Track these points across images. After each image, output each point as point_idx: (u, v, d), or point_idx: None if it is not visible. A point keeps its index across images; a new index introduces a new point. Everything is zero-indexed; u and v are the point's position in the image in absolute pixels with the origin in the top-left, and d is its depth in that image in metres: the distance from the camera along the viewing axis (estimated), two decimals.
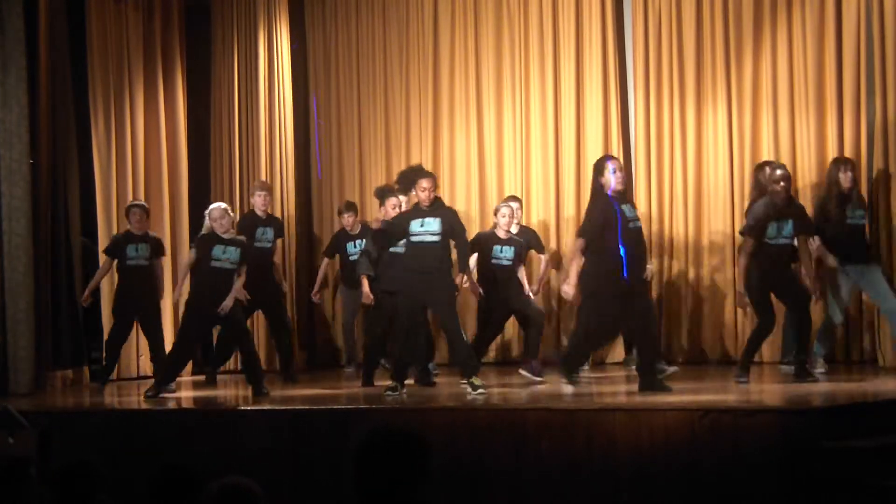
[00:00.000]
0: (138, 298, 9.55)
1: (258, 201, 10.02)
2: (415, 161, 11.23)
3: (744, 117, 10.10)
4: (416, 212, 8.33)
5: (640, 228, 7.94)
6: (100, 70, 10.59)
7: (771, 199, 8.22)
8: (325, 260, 10.88)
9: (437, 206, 8.33)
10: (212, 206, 8.99)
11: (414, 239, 8.27)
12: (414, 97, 11.40)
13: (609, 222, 7.75)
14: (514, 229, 9.43)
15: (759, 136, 10.05)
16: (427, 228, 8.23)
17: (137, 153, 10.81)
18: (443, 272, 8.27)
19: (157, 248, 9.70)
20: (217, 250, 8.73)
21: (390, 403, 7.85)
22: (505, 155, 11.05)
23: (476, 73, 11.14)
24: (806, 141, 9.80)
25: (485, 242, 9.21)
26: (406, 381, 8.83)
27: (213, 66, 11.54)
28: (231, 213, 8.99)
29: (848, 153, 9.55)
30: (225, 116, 11.40)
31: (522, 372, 8.94)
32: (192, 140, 11.31)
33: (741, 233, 8.55)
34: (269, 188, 10.36)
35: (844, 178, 8.71)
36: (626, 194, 8.01)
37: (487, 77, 11.08)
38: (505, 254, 9.15)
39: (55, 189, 10.07)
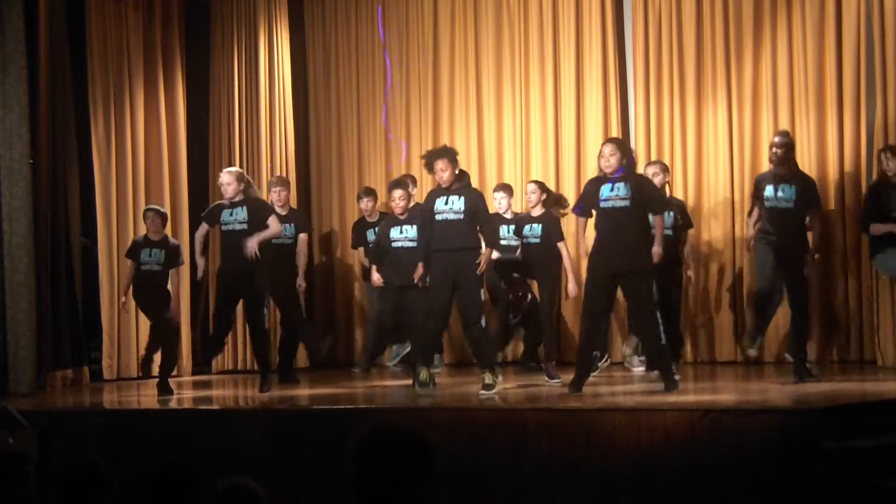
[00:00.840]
0: (147, 305, 9.40)
1: (273, 197, 9.94)
2: (414, 160, 11.27)
3: (744, 117, 10.10)
4: (440, 190, 8.30)
5: (615, 209, 7.78)
6: (100, 70, 10.60)
7: (770, 164, 8.36)
8: (360, 251, 10.61)
9: (462, 186, 8.27)
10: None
11: (438, 217, 8.22)
12: (414, 97, 11.40)
13: (586, 200, 8.02)
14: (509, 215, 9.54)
15: (759, 136, 10.05)
16: (450, 206, 8.19)
17: (137, 153, 10.82)
18: (468, 251, 8.16)
19: (172, 256, 9.33)
20: (224, 214, 8.69)
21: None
22: (505, 155, 11.05)
23: (476, 73, 11.15)
24: (806, 141, 9.80)
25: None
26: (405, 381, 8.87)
27: (212, 66, 11.54)
28: (238, 180, 8.70)
29: (848, 153, 9.56)
30: (225, 116, 11.41)
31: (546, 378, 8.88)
32: (192, 140, 11.31)
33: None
34: (283, 182, 10.15)
35: (887, 167, 8.76)
36: (621, 175, 7.83)
37: (487, 76, 11.09)
38: (533, 231, 9.20)
39: (55, 189, 10.07)
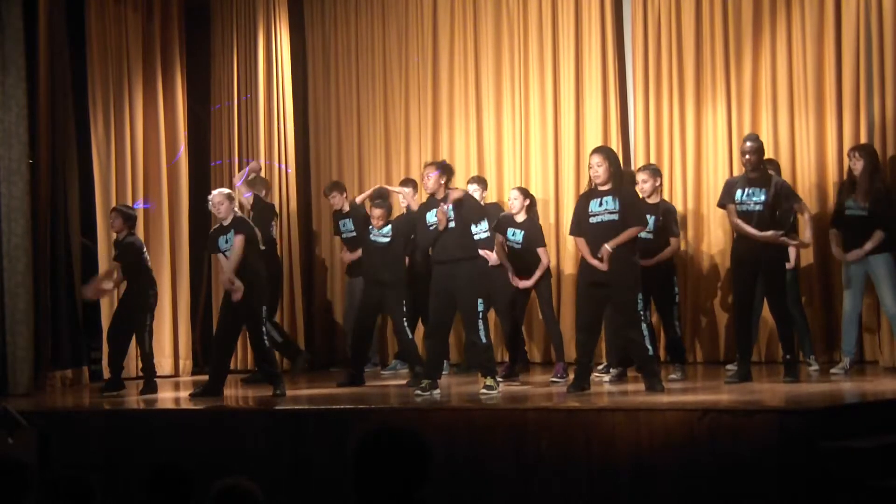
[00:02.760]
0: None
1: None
2: (413, 160, 11.29)
3: (743, 117, 10.09)
4: (430, 202, 8.43)
5: (602, 223, 7.93)
6: (99, 70, 10.60)
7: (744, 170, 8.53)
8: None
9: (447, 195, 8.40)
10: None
11: (432, 227, 8.34)
12: (413, 97, 11.40)
13: (578, 217, 8.13)
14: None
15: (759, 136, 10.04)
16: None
17: (137, 153, 10.82)
18: (460, 262, 8.21)
19: (119, 253, 9.39)
20: (220, 241, 8.85)
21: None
22: (504, 155, 11.04)
23: (476, 73, 11.14)
24: (805, 140, 9.79)
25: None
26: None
27: (212, 66, 11.54)
28: (228, 199, 8.87)
29: (847, 154, 9.53)
30: (225, 116, 11.40)
31: (553, 380, 8.92)
32: (192, 140, 11.31)
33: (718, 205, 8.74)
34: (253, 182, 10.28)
35: (852, 167, 8.83)
36: (606, 188, 7.99)
37: (487, 77, 11.08)
38: (516, 237, 9.36)
39: (54, 189, 10.07)
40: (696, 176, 10.29)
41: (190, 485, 4.04)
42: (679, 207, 10.22)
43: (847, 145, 9.54)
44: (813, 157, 9.75)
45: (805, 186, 9.72)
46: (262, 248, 9.08)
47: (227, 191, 9.04)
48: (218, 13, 11.56)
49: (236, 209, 8.97)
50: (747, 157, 8.40)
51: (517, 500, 6.93)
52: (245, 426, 7.76)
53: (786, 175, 9.60)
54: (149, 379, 9.27)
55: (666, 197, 10.10)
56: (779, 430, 6.44)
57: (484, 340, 8.18)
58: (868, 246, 8.62)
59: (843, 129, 9.60)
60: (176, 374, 10.83)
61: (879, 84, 9.35)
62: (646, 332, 8.05)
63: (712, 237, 10.21)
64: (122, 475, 6.54)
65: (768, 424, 6.49)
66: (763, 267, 8.27)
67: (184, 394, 9.24)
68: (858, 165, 8.72)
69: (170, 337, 10.83)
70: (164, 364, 10.72)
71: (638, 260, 8.09)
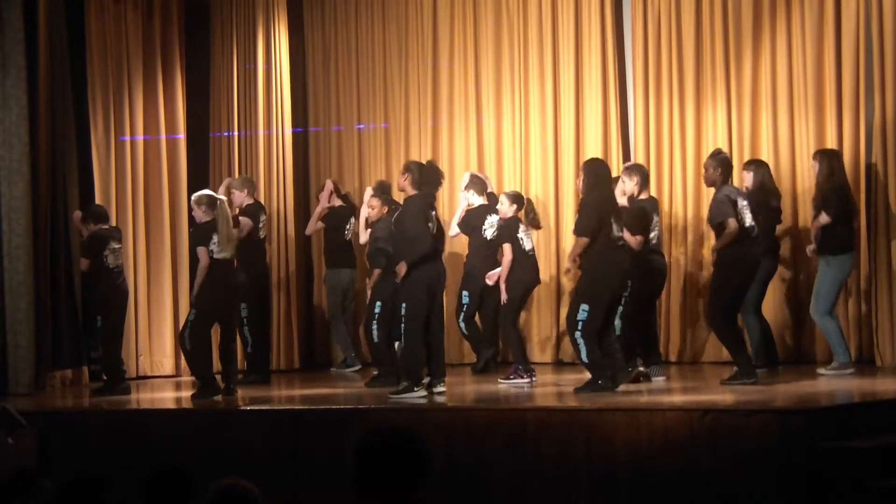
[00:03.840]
0: None
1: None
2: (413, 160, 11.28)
3: (743, 117, 10.09)
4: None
5: None
6: (99, 70, 10.59)
7: None
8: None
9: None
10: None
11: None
12: (413, 97, 11.39)
13: None
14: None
15: (759, 136, 10.04)
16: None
17: (137, 153, 10.82)
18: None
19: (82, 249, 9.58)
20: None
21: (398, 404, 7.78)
22: (504, 156, 11.04)
23: (475, 73, 11.14)
24: (805, 141, 9.79)
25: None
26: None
27: (212, 65, 11.54)
28: (197, 205, 8.85)
29: (847, 152, 9.52)
30: (224, 116, 11.40)
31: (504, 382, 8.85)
32: (192, 140, 11.31)
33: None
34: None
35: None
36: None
37: (487, 77, 11.07)
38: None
39: (54, 189, 10.07)
40: (696, 177, 10.26)
41: (190, 485, 4.04)
42: (679, 208, 10.23)
43: (847, 145, 9.55)
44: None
45: (805, 186, 9.71)
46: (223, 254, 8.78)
47: (196, 195, 8.98)
48: (218, 13, 11.55)
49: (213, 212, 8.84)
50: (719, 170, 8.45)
51: (517, 500, 6.93)
52: (245, 426, 7.76)
53: (786, 175, 9.65)
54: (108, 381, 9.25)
55: (665, 198, 10.13)
56: (779, 430, 6.45)
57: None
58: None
59: (843, 129, 9.60)
60: (176, 374, 10.81)
61: (879, 84, 9.35)
62: (580, 341, 7.78)
63: (712, 238, 10.19)
64: (122, 475, 6.53)
65: (768, 424, 6.50)
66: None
67: (184, 394, 9.24)
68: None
69: (170, 337, 10.81)
70: (164, 364, 10.73)
71: (595, 267, 7.94)
